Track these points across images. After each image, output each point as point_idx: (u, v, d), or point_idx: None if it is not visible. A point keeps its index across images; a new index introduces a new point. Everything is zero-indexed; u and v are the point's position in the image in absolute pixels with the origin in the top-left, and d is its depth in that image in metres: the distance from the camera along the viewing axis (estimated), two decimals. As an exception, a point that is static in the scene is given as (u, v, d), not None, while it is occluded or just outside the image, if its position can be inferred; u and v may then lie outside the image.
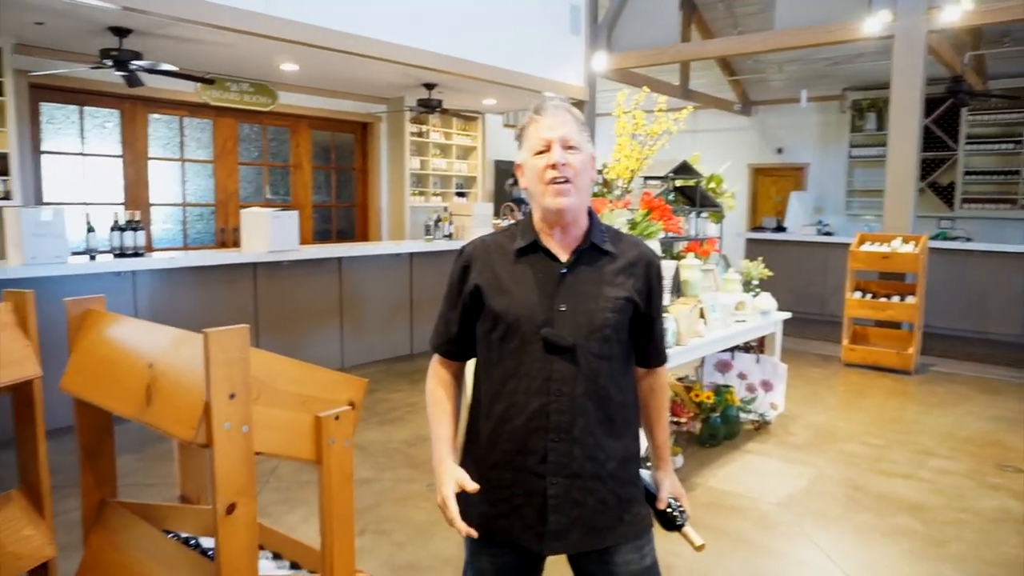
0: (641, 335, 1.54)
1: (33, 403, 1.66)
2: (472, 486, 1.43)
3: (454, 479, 1.45)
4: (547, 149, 1.42)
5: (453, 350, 1.57)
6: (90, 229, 4.61)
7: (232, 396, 1.23)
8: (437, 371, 1.61)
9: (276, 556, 1.61)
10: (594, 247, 1.47)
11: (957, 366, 6.52)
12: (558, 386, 1.41)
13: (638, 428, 1.57)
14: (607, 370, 1.44)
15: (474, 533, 1.42)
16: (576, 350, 1.41)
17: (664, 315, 1.60)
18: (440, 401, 1.58)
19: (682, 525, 1.58)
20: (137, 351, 1.44)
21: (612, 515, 1.46)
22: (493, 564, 1.51)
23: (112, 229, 4.59)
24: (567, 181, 1.41)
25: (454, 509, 1.42)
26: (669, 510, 1.58)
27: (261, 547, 1.66)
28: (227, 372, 1.22)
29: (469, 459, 1.53)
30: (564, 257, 1.46)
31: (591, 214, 1.51)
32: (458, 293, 1.52)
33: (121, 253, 4.62)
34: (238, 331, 1.23)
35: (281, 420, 1.34)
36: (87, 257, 4.56)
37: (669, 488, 1.60)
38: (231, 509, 1.25)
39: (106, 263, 4.51)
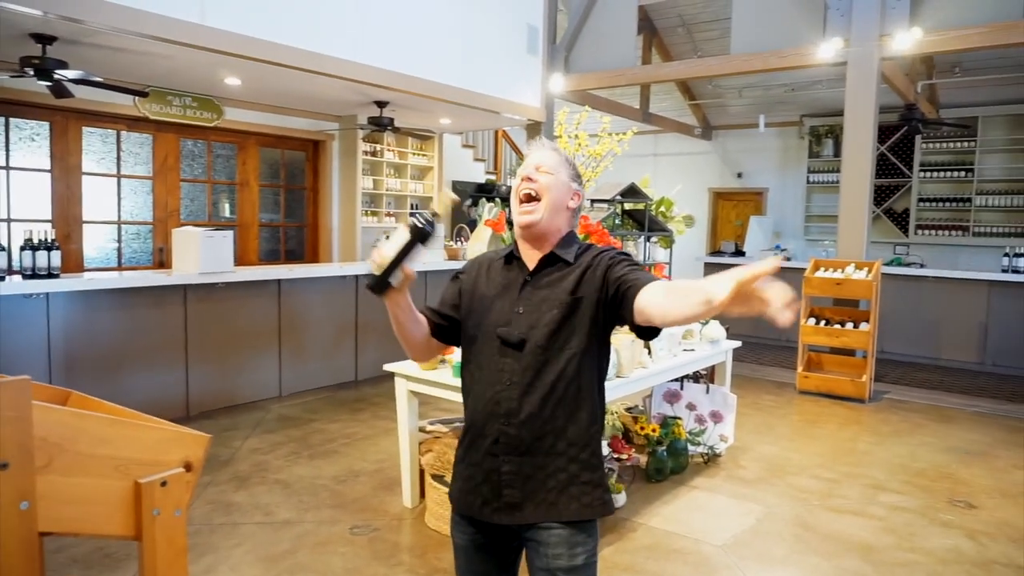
0: (620, 297, 1.53)
1: None
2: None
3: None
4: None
5: (430, 316, 1.74)
6: (0, 248, 4.29)
7: (4, 466, 0.99)
8: None
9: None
10: (555, 256, 1.63)
11: (911, 393, 6.46)
12: (508, 376, 1.58)
13: (597, 415, 1.61)
14: (553, 361, 1.56)
15: (413, 275, 1.54)
16: (524, 345, 1.57)
17: (636, 271, 1.56)
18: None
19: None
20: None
21: (567, 493, 1.56)
22: (463, 539, 1.67)
23: (22, 249, 4.28)
24: (532, 199, 1.61)
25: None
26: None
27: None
28: (-3, 436, 0.98)
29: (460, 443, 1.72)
30: (531, 267, 1.64)
31: (569, 235, 1.68)
32: (449, 287, 1.76)
33: (33, 274, 4.31)
34: (14, 384, 1.00)
35: (82, 490, 1.11)
36: (-6, 278, 4.24)
37: None
38: (2, 606, 1.01)
39: (15, 284, 4.19)
